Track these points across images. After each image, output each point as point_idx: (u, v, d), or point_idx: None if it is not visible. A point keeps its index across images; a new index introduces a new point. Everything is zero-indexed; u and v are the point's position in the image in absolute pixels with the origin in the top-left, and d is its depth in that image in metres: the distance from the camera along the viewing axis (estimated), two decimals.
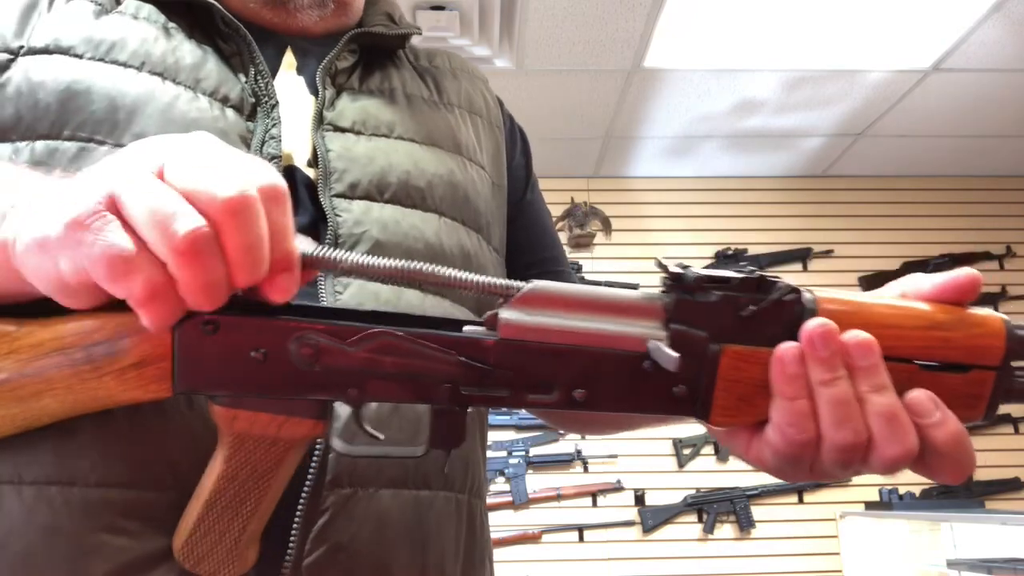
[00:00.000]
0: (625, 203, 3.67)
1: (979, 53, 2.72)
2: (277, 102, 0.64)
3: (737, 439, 0.49)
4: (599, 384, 0.46)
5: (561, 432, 3.29)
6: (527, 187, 0.86)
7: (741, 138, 3.37)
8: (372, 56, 0.75)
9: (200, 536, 0.48)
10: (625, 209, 3.66)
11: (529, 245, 0.83)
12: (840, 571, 3.23)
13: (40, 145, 0.57)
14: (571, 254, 3.58)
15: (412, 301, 0.64)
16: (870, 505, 3.31)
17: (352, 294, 0.61)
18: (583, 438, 3.34)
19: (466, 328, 0.47)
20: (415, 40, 0.82)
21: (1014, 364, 0.45)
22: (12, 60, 0.59)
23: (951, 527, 2.76)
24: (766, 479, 3.36)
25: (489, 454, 3.20)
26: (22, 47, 0.60)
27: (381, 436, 0.50)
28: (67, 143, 0.57)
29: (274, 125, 0.63)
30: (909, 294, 0.48)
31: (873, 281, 3.58)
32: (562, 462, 3.33)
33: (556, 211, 3.55)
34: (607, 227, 3.61)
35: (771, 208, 3.70)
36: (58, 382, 0.46)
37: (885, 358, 0.43)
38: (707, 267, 0.49)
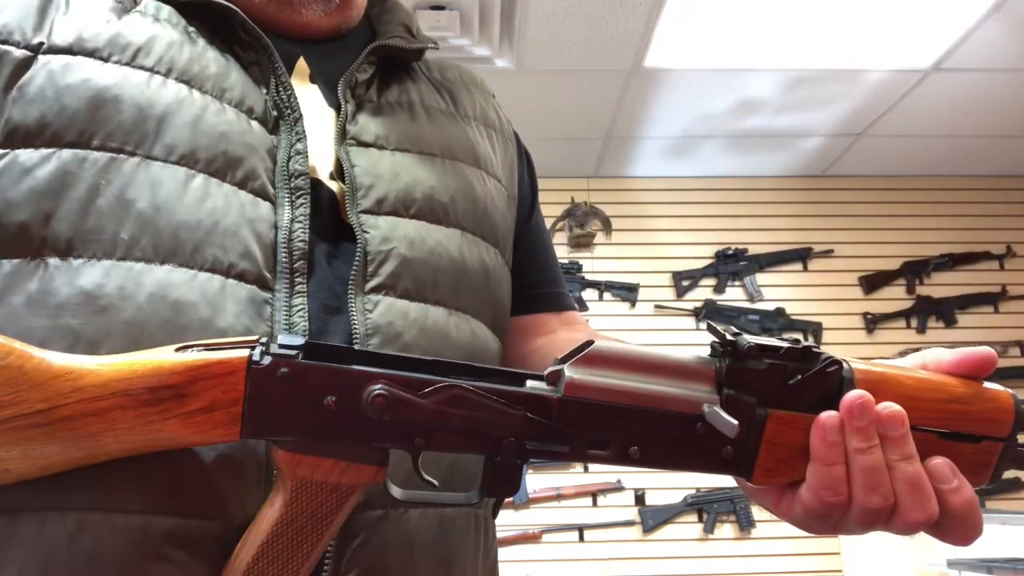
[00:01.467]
0: (625, 203, 3.67)
1: (979, 53, 2.72)
2: (301, 115, 0.63)
3: (769, 495, 0.51)
4: (653, 443, 0.48)
5: None
6: (532, 206, 0.86)
7: (741, 138, 3.37)
8: (388, 68, 0.74)
9: None
10: (625, 209, 3.66)
11: (532, 265, 0.83)
12: (840, 571, 3.22)
13: (67, 153, 0.54)
14: (571, 254, 3.58)
15: (439, 320, 0.64)
16: None
17: (381, 313, 0.60)
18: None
19: (529, 383, 0.48)
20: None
21: (1019, 436, 0.50)
22: (33, 58, 0.56)
23: None
24: None
25: None
26: (42, 44, 0.57)
27: (436, 483, 0.51)
28: (96, 153, 0.55)
29: (299, 139, 0.62)
30: (930, 366, 0.51)
31: (873, 281, 3.58)
32: (562, 462, 3.33)
33: (556, 211, 3.55)
34: (607, 227, 3.61)
35: (771, 208, 3.70)
36: (121, 423, 0.45)
37: (911, 423, 0.47)
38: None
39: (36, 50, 0.57)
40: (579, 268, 3.55)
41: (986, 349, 0.50)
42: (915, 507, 0.46)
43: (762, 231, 3.65)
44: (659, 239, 3.62)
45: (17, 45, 0.56)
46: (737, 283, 3.59)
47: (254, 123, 0.62)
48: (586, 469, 3.33)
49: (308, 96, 0.67)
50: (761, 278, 3.60)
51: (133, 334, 0.52)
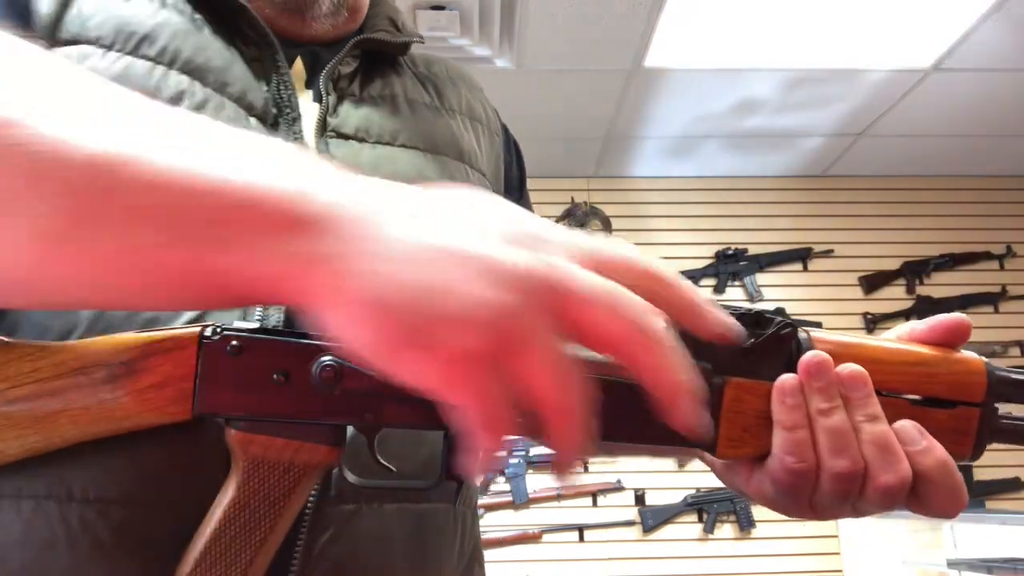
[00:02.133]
0: (625, 203, 3.67)
1: (979, 53, 2.72)
2: (300, 115, 0.63)
3: (738, 474, 0.50)
4: (613, 414, 0.45)
5: None
6: (521, 197, 0.85)
7: (741, 138, 3.37)
8: (372, 62, 0.74)
9: (207, 567, 0.47)
10: (625, 209, 3.66)
11: None
12: (840, 571, 3.23)
13: None
14: None
15: None
16: None
17: None
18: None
19: None
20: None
21: (998, 405, 0.47)
22: (48, 48, 0.55)
23: (951, 527, 2.76)
24: None
25: None
26: (60, 35, 0.57)
27: (393, 468, 0.49)
28: None
29: (296, 139, 0.62)
30: (904, 336, 0.50)
31: (873, 281, 3.58)
32: None
33: (556, 211, 3.56)
34: (607, 227, 3.61)
35: (771, 208, 3.70)
36: (76, 402, 0.45)
37: (876, 392, 0.45)
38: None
39: (53, 39, 0.57)
40: None
41: (958, 315, 0.49)
42: (885, 468, 0.44)
43: (762, 231, 3.65)
44: (659, 239, 3.62)
45: (39, 35, 0.57)
46: (737, 283, 3.59)
47: (252, 120, 0.61)
48: (586, 469, 3.33)
49: (302, 98, 0.67)
50: (761, 278, 3.60)
51: (99, 328, 0.52)
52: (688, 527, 3.31)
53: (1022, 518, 2.49)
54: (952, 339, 0.49)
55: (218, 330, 0.46)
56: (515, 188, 0.84)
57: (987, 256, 3.63)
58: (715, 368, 0.46)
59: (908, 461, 0.44)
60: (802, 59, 2.78)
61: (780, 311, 0.46)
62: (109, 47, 0.58)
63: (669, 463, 3.38)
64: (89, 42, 0.58)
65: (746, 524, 3.28)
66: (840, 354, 0.46)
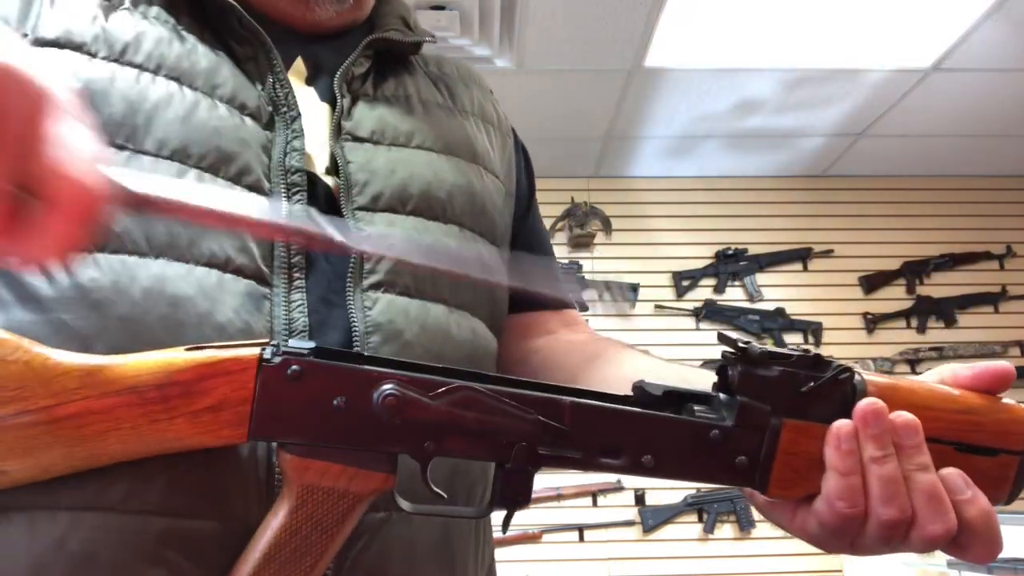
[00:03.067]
0: (625, 203, 3.67)
1: (979, 53, 2.72)
2: (299, 113, 0.63)
3: (783, 511, 0.50)
4: (667, 451, 0.46)
5: None
6: (530, 203, 0.85)
7: (741, 138, 3.37)
8: (385, 61, 0.73)
9: None
10: (625, 209, 3.66)
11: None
12: (840, 571, 3.22)
13: None
14: (571, 254, 3.58)
15: (439, 318, 0.63)
16: None
17: (381, 310, 0.60)
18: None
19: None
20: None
21: None
22: None
23: None
24: None
25: None
26: (26, 35, 0.56)
27: (445, 495, 0.49)
28: None
29: (296, 136, 0.61)
30: (947, 380, 0.50)
31: (873, 281, 3.58)
32: None
33: (556, 211, 3.55)
34: (607, 227, 3.61)
35: (771, 208, 3.70)
36: (126, 422, 0.44)
37: (926, 436, 0.46)
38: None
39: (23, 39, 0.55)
40: (579, 268, 3.55)
41: (1004, 364, 0.49)
42: (933, 519, 0.45)
43: (762, 231, 3.65)
44: (659, 239, 3.62)
45: None
46: (737, 283, 3.59)
47: (247, 119, 0.61)
48: None
49: (304, 95, 0.66)
50: (761, 278, 3.60)
51: (130, 329, 0.51)
52: (688, 527, 3.31)
53: (1022, 518, 2.49)
54: (996, 387, 0.49)
55: (278, 351, 0.45)
56: (524, 196, 0.83)
57: (987, 256, 3.62)
58: (772, 409, 0.46)
59: (954, 511, 0.45)
60: (802, 59, 2.78)
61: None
62: (94, 55, 0.57)
63: None
64: (74, 48, 0.57)
65: (746, 524, 3.28)
66: (893, 398, 0.46)
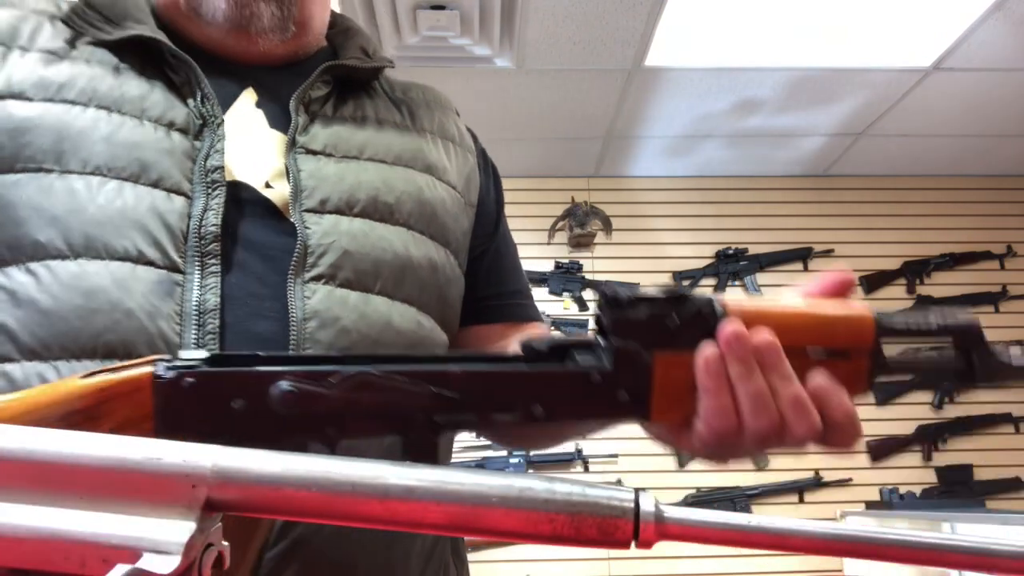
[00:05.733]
0: (625, 203, 3.67)
1: (980, 52, 2.72)
2: (222, 121, 0.69)
3: (671, 433, 0.55)
4: (555, 400, 0.50)
5: None
6: (498, 219, 0.88)
7: (741, 138, 3.37)
8: (346, 87, 0.79)
9: None
10: (625, 209, 3.66)
11: (500, 277, 0.86)
12: (840, 571, 3.23)
13: None
14: (571, 254, 3.58)
15: (380, 308, 0.68)
16: (870, 505, 3.31)
17: (320, 299, 0.65)
18: (584, 437, 3.34)
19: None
20: (393, 73, 0.87)
21: (883, 344, 0.53)
22: None
23: (951, 527, 2.76)
24: (766, 479, 3.36)
25: (489, 454, 3.21)
26: None
27: None
28: (19, 174, 0.63)
29: (219, 140, 0.68)
30: (801, 295, 0.55)
31: (873, 281, 3.58)
32: (562, 462, 3.33)
33: (556, 211, 3.55)
34: (607, 227, 3.61)
35: (771, 208, 3.70)
36: None
37: (787, 349, 0.50)
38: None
39: None
40: (579, 268, 3.55)
41: (843, 272, 0.54)
42: (800, 423, 0.50)
43: (762, 231, 3.65)
44: (659, 239, 3.62)
45: None
46: (737, 283, 3.59)
47: (175, 133, 0.68)
48: (587, 469, 3.33)
49: (249, 112, 0.73)
50: (761, 278, 3.60)
51: (48, 320, 0.59)
52: None
53: (1022, 518, 2.49)
54: (842, 292, 0.54)
55: (170, 367, 0.46)
56: (492, 212, 0.87)
57: (987, 256, 3.62)
58: (643, 345, 0.50)
59: (819, 414, 0.50)
60: (802, 59, 2.78)
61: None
62: (31, 98, 0.66)
63: (669, 463, 3.38)
64: (13, 96, 0.65)
65: None
66: (753, 318, 0.50)
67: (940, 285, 3.60)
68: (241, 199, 0.67)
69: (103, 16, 0.72)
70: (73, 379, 0.46)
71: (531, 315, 0.87)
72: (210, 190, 0.66)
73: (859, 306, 0.53)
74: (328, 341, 0.64)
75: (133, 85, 0.69)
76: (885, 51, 2.73)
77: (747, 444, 0.51)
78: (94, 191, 0.63)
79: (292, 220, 0.67)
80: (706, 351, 0.50)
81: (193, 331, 0.61)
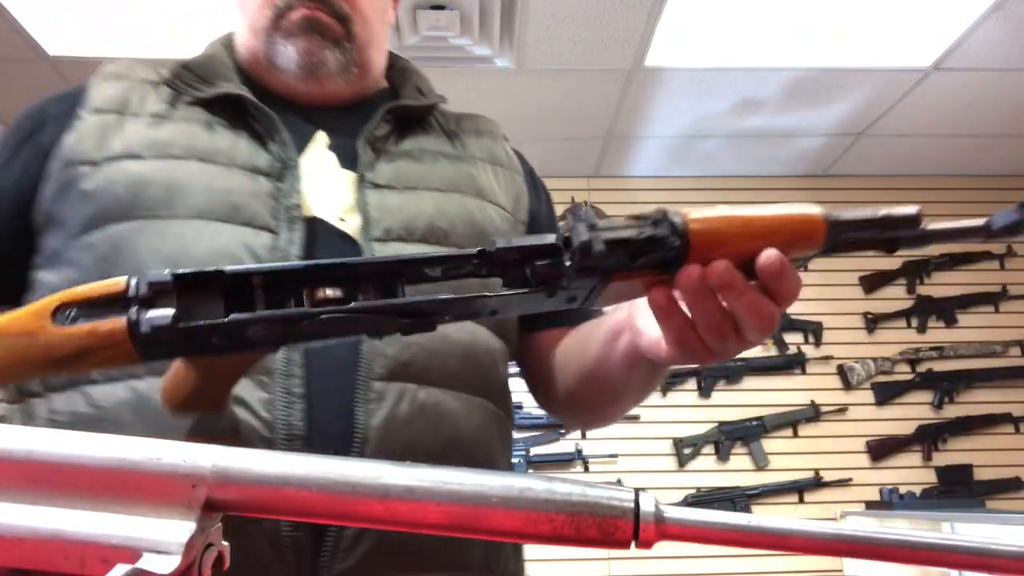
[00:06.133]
0: (625, 203, 3.67)
1: (979, 53, 2.72)
2: (297, 163, 0.80)
3: (650, 348, 0.64)
4: (514, 306, 0.55)
5: (562, 431, 3.30)
6: (551, 220, 0.98)
7: (742, 138, 3.37)
8: (405, 123, 0.90)
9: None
10: (625, 209, 3.66)
11: None
12: (840, 571, 3.23)
13: (115, 228, 0.73)
14: None
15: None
16: (870, 505, 3.32)
17: None
18: (583, 437, 3.34)
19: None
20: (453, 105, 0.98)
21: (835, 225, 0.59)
22: (96, 167, 0.77)
23: (951, 527, 2.76)
24: (766, 479, 3.37)
25: None
26: (103, 157, 0.77)
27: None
28: (138, 222, 0.74)
29: (296, 181, 0.78)
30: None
31: (873, 281, 3.58)
32: (562, 461, 3.33)
33: (556, 211, 3.55)
34: None
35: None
36: None
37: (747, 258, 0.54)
38: None
39: (97, 162, 0.77)
40: None
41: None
42: (756, 325, 0.56)
43: None
44: None
45: (86, 163, 0.77)
46: None
47: (260, 177, 0.78)
48: (587, 469, 3.33)
49: (327, 159, 0.83)
50: None
51: None
52: None
53: (1022, 518, 2.50)
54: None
55: (145, 326, 0.51)
56: (545, 225, 0.98)
57: (987, 256, 3.63)
58: (603, 271, 0.53)
59: (773, 309, 0.56)
60: (802, 59, 2.78)
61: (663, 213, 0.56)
62: (144, 158, 0.77)
63: (669, 463, 3.38)
64: (131, 157, 0.77)
65: None
66: (711, 244, 0.54)
67: (940, 285, 3.60)
68: (319, 232, 0.77)
69: (198, 76, 0.84)
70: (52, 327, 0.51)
71: (587, 315, 0.91)
72: (291, 225, 0.76)
73: (810, 209, 0.58)
74: (391, 354, 0.73)
75: (223, 137, 0.81)
76: (885, 51, 2.73)
77: (708, 350, 0.58)
78: (198, 233, 0.74)
79: (362, 248, 0.77)
80: (656, 296, 0.56)
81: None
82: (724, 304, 0.55)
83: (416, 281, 0.54)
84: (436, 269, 0.54)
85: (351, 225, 0.78)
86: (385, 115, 0.87)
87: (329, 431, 0.70)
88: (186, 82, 0.84)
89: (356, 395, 0.71)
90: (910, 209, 0.61)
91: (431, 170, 0.87)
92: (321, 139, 0.85)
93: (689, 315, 0.56)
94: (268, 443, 0.67)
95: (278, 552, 0.67)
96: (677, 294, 0.56)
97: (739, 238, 0.55)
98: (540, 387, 0.94)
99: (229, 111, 0.82)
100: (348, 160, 0.83)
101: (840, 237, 0.60)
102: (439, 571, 0.72)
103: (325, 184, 0.80)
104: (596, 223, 0.53)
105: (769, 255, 0.55)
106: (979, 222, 0.60)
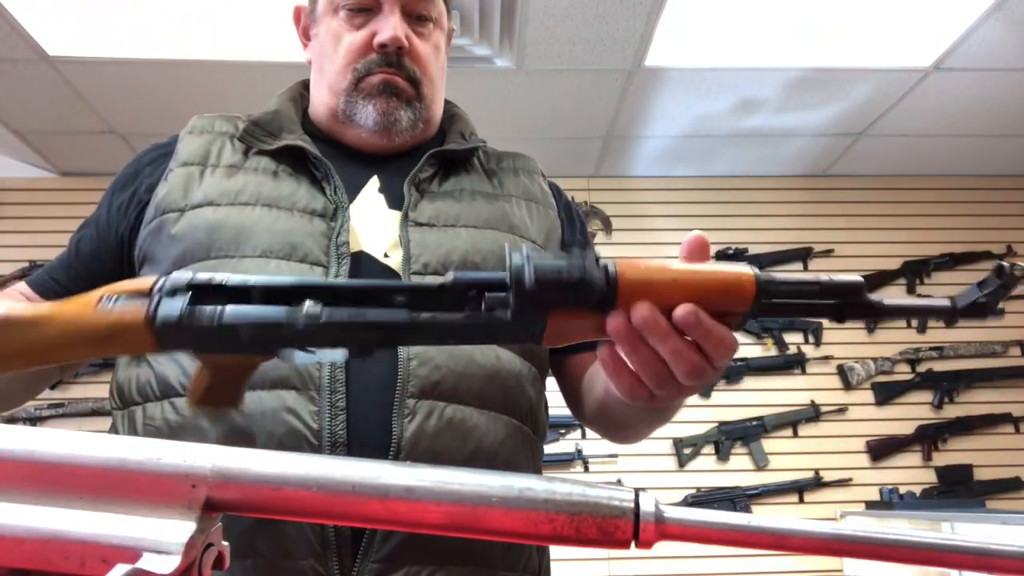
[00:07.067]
0: (625, 203, 3.67)
1: (979, 53, 2.72)
2: (347, 206, 0.91)
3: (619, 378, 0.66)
4: (465, 336, 0.58)
5: (562, 431, 3.30)
6: (586, 248, 1.05)
7: (741, 138, 3.37)
8: (449, 165, 1.00)
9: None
10: (625, 209, 3.66)
11: None
12: (840, 571, 3.23)
13: (197, 267, 0.83)
14: None
15: (465, 349, 0.85)
16: (870, 505, 3.31)
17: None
18: (583, 437, 3.34)
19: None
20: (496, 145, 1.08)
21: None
22: (182, 214, 0.89)
23: (951, 527, 2.76)
24: (766, 479, 3.36)
25: None
26: (187, 205, 0.90)
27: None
28: (213, 260, 0.85)
29: (347, 221, 0.89)
30: (685, 257, 0.62)
31: (873, 281, 3.58)
32: (563, 461, 3.33)
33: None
34: (608, 227, 3.61)
35: (771, 208, 3.70)
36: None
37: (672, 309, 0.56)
38: None
39: (183, 210, 0.90)
40: None
41: (695, 235, 0.63)
42: (685, 368, 0.58)
43: (762, 231, 3.65)
44: (659, 239, 3.62)
45: (174, 210, 0.90)
46: None
47: (316, 219, 0.89)
48: (587, 469, 3.33)
49: (376, 201, 0.94)
50: None
51: None
52: None
53: (1022, 518, 2.49)
54: (703, 255, 0.62)
55: (161, 326, 0.59)
56: (579, 244, 1.06)
57: (987, 256, 3.62)
58: (545, 304, 0.56)
59: (699, 355, 0.58)
60: (802, 59, 2.78)
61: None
62: (220, 204, 0.90)
63: (669, 463, 3.38)
64: (208, 204, 0.90)
65: None
66: (642, 289, 0.56)
67: (940, 285, 3.60)
68: (364, 266, 0.87)
69: (265, 131, 0.97)
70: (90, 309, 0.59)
71: None
72: (340, 260, 0.86)
73: (741, 270, 0.60)
74: (423, 375, 0.82)
75: (286, 183, 0.92)
76: (885, 51, 2.73)
77: (653, 393, 0.62)
78: (261, 269, 0.84)
79: (402, 279, 0.85)
80: (600, 351, 0.61)
81: (327, 369, 0.80)
82: (658, 351, 0.58)
83: (387, 306, 0.58)
84: (401, 296, 0.58)
85: (394, 260, 0.88)
86: (429, 159, 0.97)
87: (367, 441, 0.78)
88: (255, 136, 0.96)
89: (392, 411, 0.80)
90: (853, 278, 0.59)
91: (469, 208, 0.96)
92: (373, 183, 0.96)
93: (630, 365, 0.60)
94: (315, 449, 0.76)
95: (322, 539, 0.75)
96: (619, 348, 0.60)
97: (667, 288, 0.57)
98: (575, 407, 1.02)
99: (291, 159, 0.95)
100: (396, 201, 0.93)
101: (772, 299, 0.60)
102: (464, 564, 0.79)
103: (373, 223, 0.91)
104: (537, 262, 0.56)
105: (684, 307, 0.57)
106: (944, 302, 0.59)
